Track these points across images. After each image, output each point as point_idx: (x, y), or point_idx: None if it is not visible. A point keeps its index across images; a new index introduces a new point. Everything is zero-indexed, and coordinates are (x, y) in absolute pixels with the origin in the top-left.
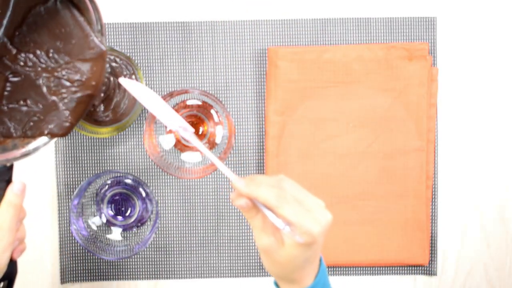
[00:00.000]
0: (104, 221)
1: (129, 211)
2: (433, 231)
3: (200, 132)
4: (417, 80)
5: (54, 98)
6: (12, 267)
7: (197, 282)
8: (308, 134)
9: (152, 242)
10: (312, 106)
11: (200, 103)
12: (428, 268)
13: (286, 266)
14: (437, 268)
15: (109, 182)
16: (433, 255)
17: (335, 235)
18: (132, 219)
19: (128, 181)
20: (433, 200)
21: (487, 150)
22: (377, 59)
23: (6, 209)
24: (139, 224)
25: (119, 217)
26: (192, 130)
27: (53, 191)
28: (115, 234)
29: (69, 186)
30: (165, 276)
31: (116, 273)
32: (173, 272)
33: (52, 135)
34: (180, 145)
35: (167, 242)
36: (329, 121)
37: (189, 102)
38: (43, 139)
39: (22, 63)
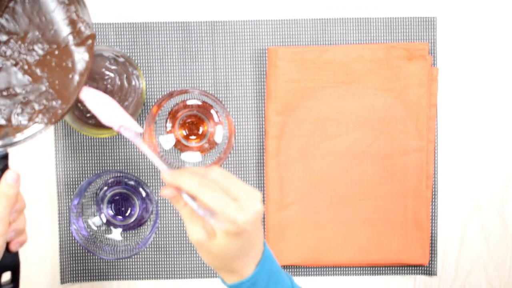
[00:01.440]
0: (104, 221)
1: (129, 211)
2: (433, 231)
3: (200, 132)
4: (417, 80)
5: (37, 84)
6: (12, 258)
7: (197, 282)
8: (308, 134)
9: (152, 242)
10: (312, 106)
11: (200, 103)
12: (428, 268)
13: (220, 257)
14: (437, 268)
15: (109, 182)
16: (433, 255)
17: (335, 235)
18: (132, 219)
19: (128, 181)
20: (433, 200)
21: (487, 150)
22: (377, 59)
23: None
24: (139, 224)
25: (119, 217)
26: (138, 130)
27: (53, 191)
28: (115, 234)
29: (69, 186)
30: (165, 276)
31: (116, 273)
32: (173, 272)
33: (41, 123)
34: (180, 145)
35: (167, 242)
36: (329, 121)
37: (189, 102)
38: (36, 126)
39: (5, 53)
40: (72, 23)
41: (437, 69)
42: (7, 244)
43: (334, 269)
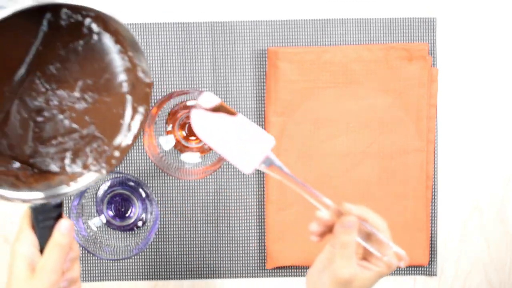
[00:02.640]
0: (104, 221)
1: (129, 212)
2: (433, 232)
3: None
4: (417, 80)
5: (85, 131)
6: None
7: (197, 282)
8: (308, 135)
9: (152, 243)
10: (312, 107)
11: None
12: (428, 269)
13: None
14: (437, 269)
15: (109, 183)
16: (433, 256)
17: None
18: (132, 220)
19: (128, 182)
20: (433, 200)
21: (487, 150)
22: (377, 60)
23: (52, 249)
24: (139, 225)
25: (119, 218)
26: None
27: None
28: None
29: None
30: (165, 276)
31: (116, 274)
32: (173, 273)
33: (95, 171)
34: (180, 146)
35: (167, 243)
36: (329, 121)
37: (189, 103)
38: (91, 175)
39: (51, 102)
40: (128, 70)
41: (437, 70)
42: None
43: None
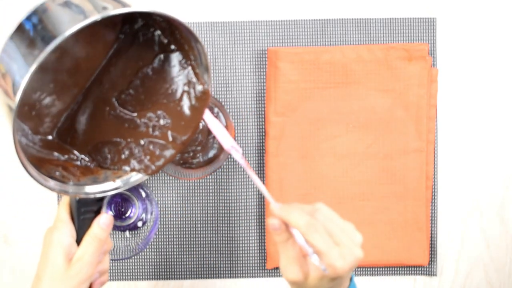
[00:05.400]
0: None
1: (129, 212)
2: (433, 232)
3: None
4: (416, 81)
5: (150, 139)
6: None
7: (197, 282)
8: (308, 135)
9: (152, 243)
10: (312, 107)
11: None
12: (428, 269)
13: None
14: (437, 269)
15: None
16: (433, 256)
17: None
18: (132, 220)
19: None
20: (433, 200)
21: (486, 151)
22: (376, 60)
23: (90, 242)
24: (139, 225)
25: (119, 218)
26: (241, 151)
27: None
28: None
29: None
30: (165, 276)
31: (116, 273)
32: (173, 273)
33: (134, 170)
34: None
35: (167, 243)
36: (329, 121)
37: None
38: (136, 175)
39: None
40: (189, 83)
41: (437, 70)
42: (90, 285)
43: None
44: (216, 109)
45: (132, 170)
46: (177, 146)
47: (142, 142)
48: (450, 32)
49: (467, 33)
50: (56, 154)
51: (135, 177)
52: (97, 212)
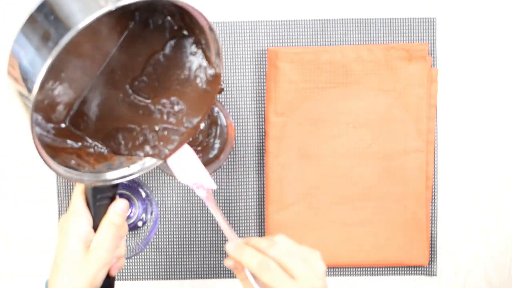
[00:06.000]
0: None
1: (129, 212)
2: (433, 232)
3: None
4: (416, 81)
5: (164, 125)
6: (108, 281)
7: (197, 282)
8: (308, 135)
9: (152, 243)
10: (312, 107)
11: None
12: (428, 269)
13: None
14: (437, 269)
15: None
16: (433, 256)
17: (334, 235)
18: (132, 220)
19: (128, 182)
20: (433, 200)
21: (486, 151)
22: (376, 60)
23: (107, 228)
24: (139, 225)
25: None
26: (212, 187)
27: (53, 191)
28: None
29: (69, 186)
30: (165, 276)
31: (116, 274)
32: (173, 273)
33: (148, 155)
34: None
35: (167, 243)
36: (329, 121)
37: None
38: (150, 161)
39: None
40: (200, 67)
41: (437, 70)
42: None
43: (334, 269)
44: (216, 109)
45: (146, 155)
46: (189, 130)
47: (156, 128)
48: (450, 32)
49: (467, 33)
50: (69, 141)
51: (149, 162)
52: (112, 198)
